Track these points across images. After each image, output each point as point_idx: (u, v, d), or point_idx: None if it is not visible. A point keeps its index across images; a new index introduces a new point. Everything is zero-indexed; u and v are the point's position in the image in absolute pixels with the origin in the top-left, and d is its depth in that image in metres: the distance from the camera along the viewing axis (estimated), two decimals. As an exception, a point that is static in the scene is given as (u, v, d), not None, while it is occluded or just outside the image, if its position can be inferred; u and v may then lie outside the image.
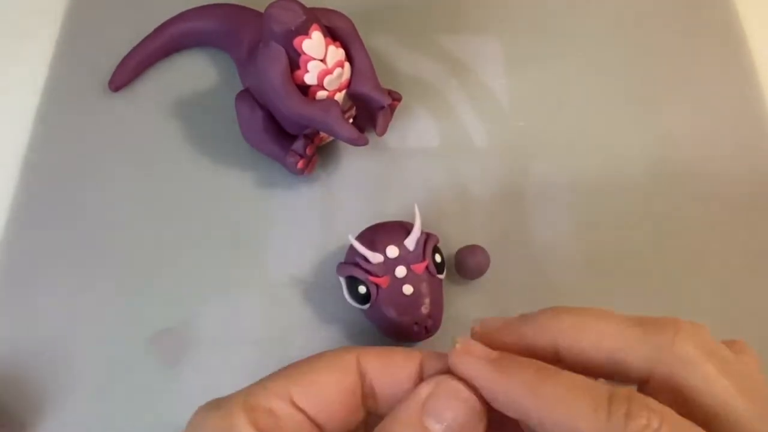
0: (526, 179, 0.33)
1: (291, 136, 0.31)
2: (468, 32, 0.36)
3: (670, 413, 0.16)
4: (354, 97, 0.30)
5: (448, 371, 0.19)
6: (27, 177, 0.33)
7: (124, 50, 0.35)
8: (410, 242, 0.27)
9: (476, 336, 0.20)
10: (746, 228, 0.32)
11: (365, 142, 0.29)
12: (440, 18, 0.37)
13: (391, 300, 0.27)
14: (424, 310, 0.27)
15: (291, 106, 0.28)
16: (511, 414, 0.18)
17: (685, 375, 0.17)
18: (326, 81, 0.28)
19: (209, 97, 0.35)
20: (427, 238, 0.27)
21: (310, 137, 0.30)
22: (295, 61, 0.27)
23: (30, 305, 0.30)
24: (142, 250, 0.31)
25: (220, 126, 0.33)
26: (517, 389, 0.17)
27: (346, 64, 0.29)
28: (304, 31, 0.27)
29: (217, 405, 0.19)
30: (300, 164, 0.31)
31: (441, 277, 0.28)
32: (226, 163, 0.33)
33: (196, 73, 0.35)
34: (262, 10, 0.28)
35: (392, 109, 0.32)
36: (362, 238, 0.28)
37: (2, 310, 0.30)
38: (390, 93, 0.32)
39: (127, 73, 0.34)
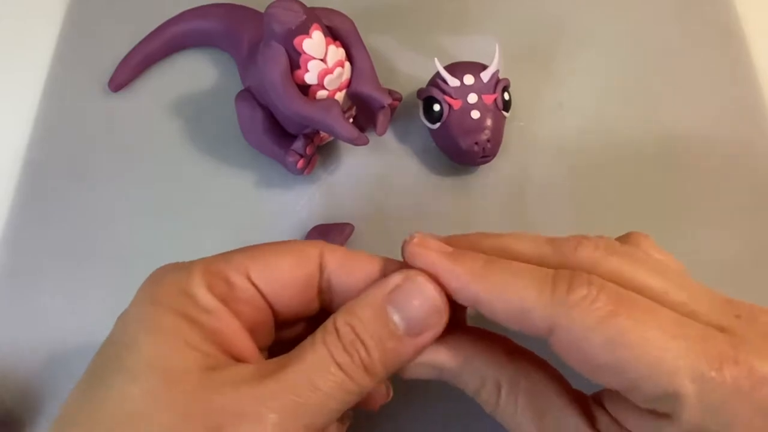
0: (526, 179, 0.33)
1: (291, 136, 0.31)
2: (468, 32, 0.36)
3: (608, 284, 0.17)
4: (354, 96, 0.30)
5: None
6: (27, 177, 0.33)
7: (124, 50, 0.35)
8: (485, 75, 0.31)
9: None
10: (746, 227, 0.32)
11: (365, 142, 0.29)
12: (440, 18, 0.37)
13: (459, 120, 0.30)
14: (485, 135, 0.30)
15: (291, 106, 0.28)
16: (462, 301, 0.19)
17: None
18: (326, 80, 0.28)
19: (209, 97, 0.35)
20: (500, 78, 0.31)
21: (310, 137, 0.30)
22: (295, 60, 0.27)
23: (30, 304, 0.30)
24: (142, 249, 0.31)
25: (220, 126, 0.33)
26: (468, 277, 0.18)
27: (347, 64, 0.29)
28: (304, 30, 0.27)
29: (178, 265, 0.20)
30: (300, 164, 0.30)
31: (505, 114, 0.31)
32: (226, 163, 0.33)
33: (196, 73, 0.35)
34: (262, 9, 0.28)
35: (392, 108, 0.32)
36: (445, 66, 0.31)
37: (3, 309, 0.30)
38: (390, 93, 0.32)
39: (127, 73, 0.34)
